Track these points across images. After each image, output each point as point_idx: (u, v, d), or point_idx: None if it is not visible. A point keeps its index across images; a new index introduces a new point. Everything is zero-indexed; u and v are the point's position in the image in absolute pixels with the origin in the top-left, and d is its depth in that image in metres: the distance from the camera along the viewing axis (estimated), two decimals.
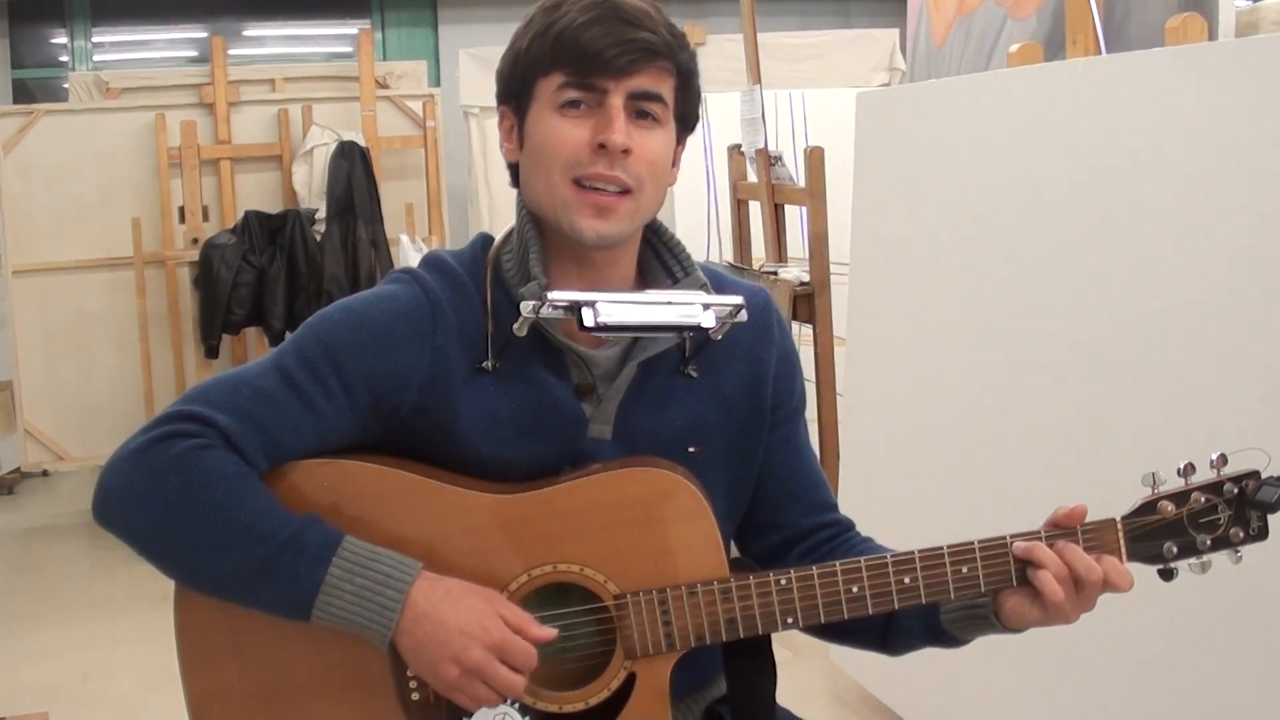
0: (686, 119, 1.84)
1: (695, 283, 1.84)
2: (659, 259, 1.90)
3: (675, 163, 1.86)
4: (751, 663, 1.87)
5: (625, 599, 1.75)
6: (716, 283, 1.88)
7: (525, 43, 1.76)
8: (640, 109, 1.74)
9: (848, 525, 2.01)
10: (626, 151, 1.72)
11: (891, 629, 1.91)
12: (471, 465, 1.78)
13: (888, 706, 3.97)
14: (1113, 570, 1.73)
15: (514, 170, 1.86)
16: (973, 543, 1.77)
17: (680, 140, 1.85)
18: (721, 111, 5.83)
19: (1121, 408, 2.92)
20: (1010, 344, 3.30)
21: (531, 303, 1.70)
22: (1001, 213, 3.33)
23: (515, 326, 1.73)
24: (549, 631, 1.71)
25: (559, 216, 1.75)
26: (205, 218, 6.80)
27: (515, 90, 1.80)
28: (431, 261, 1.85)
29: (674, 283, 1.87)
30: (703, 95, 1.88)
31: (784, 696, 1.95)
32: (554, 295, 1.70)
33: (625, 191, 1.74)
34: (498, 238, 1.87)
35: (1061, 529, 1.77)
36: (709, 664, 1.92)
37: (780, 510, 1.97)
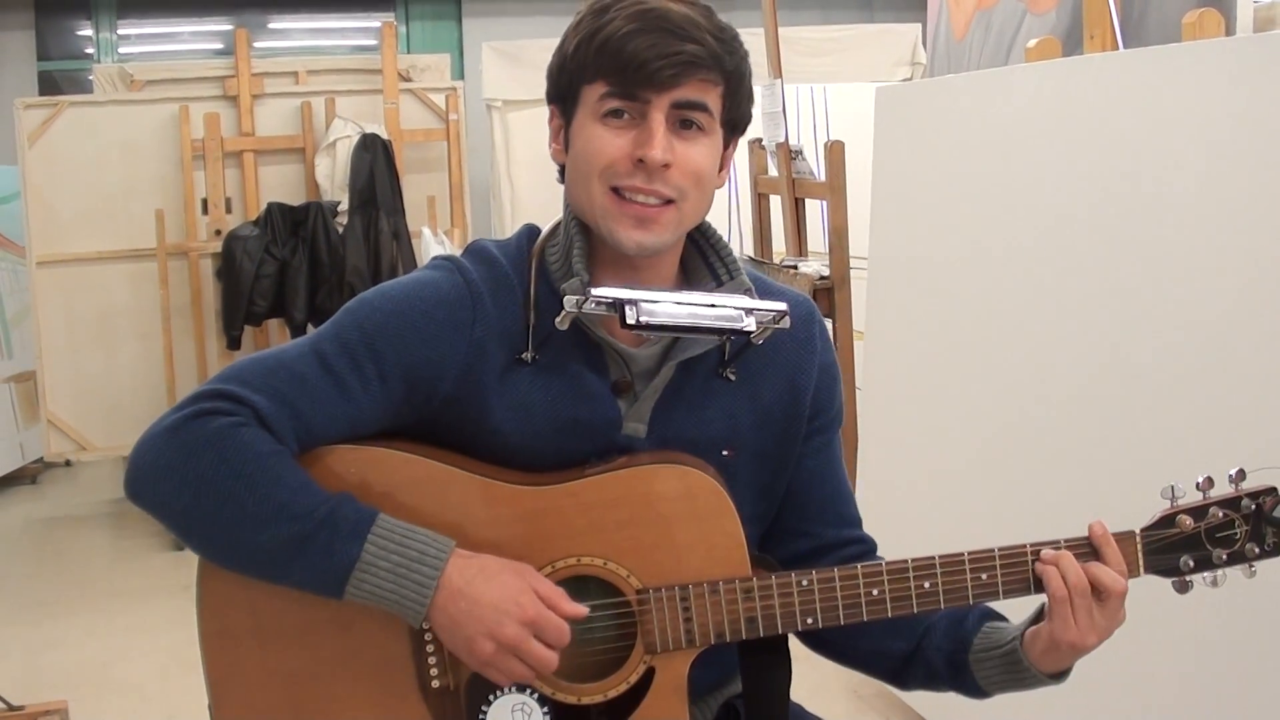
0: (736, 123, 1.82)
1: (739, 287, 1.83)
2: (704, 260, 1.88)
3: (724, 166, 1.84)
4: (767, 659, 1.87)
5: (647, 594, 1.75)
6: (761, 289, 1.86)
7: (572, 47, 1.75)
8: (684, 118, 1.73)
9: (872, 547, 2.01)
10: (666, 166, 1.71)
11: (914, 661, 1.93)
12: (500, 455, 1.79)
13: (904, 702, 3.97)
14: (1102, 574, 1.74)
15: (562, 169, 1.85)
16: (993, 550, 1.78)
17: (729, 143, 1.84)
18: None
19: (1140, 405, 2.91)
20: (1027, 339, 3.29)
21: (575, 297, 1.69)
22: (1019, 207, 3.33)
23: (557, 320, 1.73)
24: (580, 608, 1.70)
25: (599, 224, 1.75)
26: (228, 209, 6.81)
27: (562, 93, 1.79)
28: (476, 251, 1.84)
29: (718, 286, 1.85)
30: (754, 95, 1.86)
31: (800, 692, 1.95)
32: (597, 292, 1.69)
33: (668, 201, 1.73)
34: (544, 229, 1.87)
35: (1079, 541, 1.79)
36: (728, 662, 1.91)
37: (807, 519, 1.96)
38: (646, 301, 1.69)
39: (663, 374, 1.81)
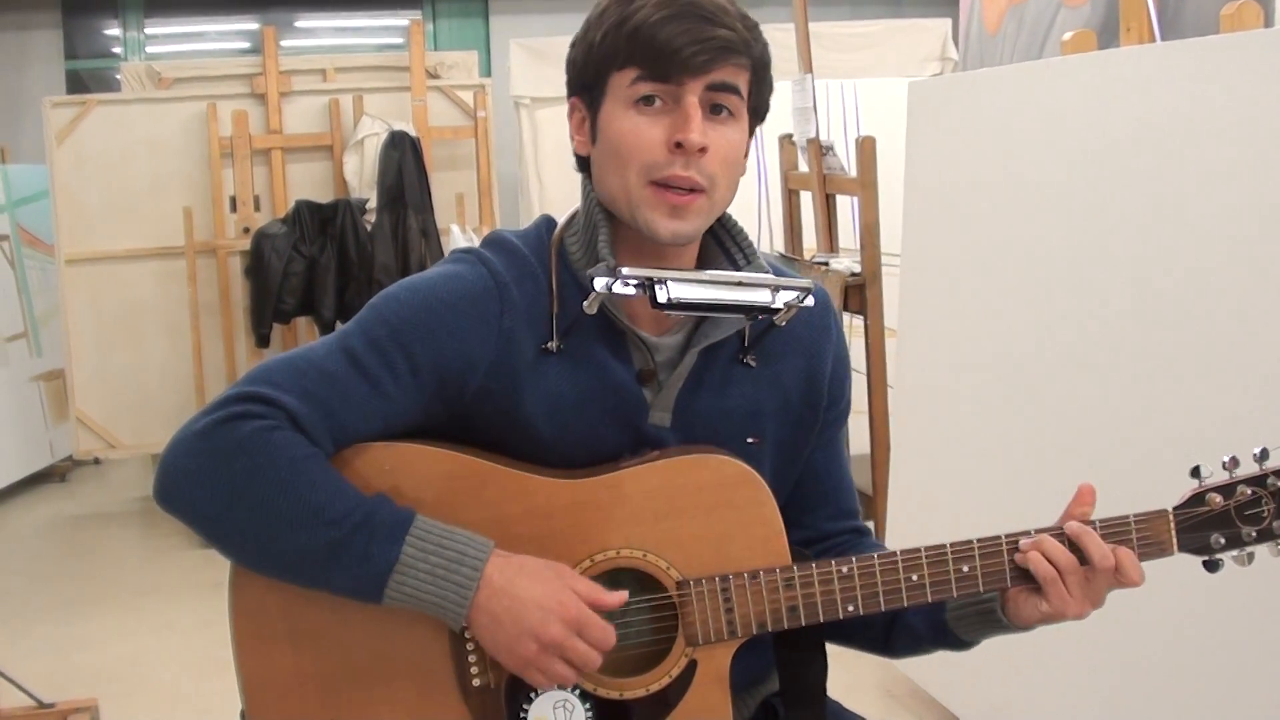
0: (759, 110, 1.82)
1: (758, 270, 1.83)
2: (721, 246, 1.88)
3: (745, 153, 1.83)
4: (803, 655, 1.86)
5: (688, 585, 1.74)
6: (776, 274, 1.85)
7: (599, 35, 1.74)
8: (715, 103, 1.72)
9: (864, 533, 2.02)
10: (703, 150, 1.70)
11: (896, 628, 1.92)
12: (531, 449, 1.78)
13: (938, 701, 3.95)
14: (1126, 560, 1.74)
15: (583, 160, 1.84)
16: (1029, 531, 1.77)
17: (751, 130, 1.83)
18: (773, 101, 5.80)
19: (1174, 399, 2.89)
20: (1060, 335, 3.27)
21: (604, 279, 1.69)
22: (1053, 202, 3.30)
23: (586, 303, 1.73)
24: (619, 596, 1.69)
25: (634, 215, 1.74)
26: (256, 207, 6.82)
27: (588, 83, 1.77)
28: (495, 241, 1.83)
29: (736, 270, 1.85)
30: (774, 85, 1.85)
31: (834, 689, 1.94)
32: (627, 271, 1.69)
33: (698, 190, 1.72)
34: (561, 220, 1.86)
35: (1113, 521, 1.77)
36: (765, 659, 1.90)
37: (806, 511, 1.96)
38: (676, 281, 1.70)
39: (685, 361, 1.81)
